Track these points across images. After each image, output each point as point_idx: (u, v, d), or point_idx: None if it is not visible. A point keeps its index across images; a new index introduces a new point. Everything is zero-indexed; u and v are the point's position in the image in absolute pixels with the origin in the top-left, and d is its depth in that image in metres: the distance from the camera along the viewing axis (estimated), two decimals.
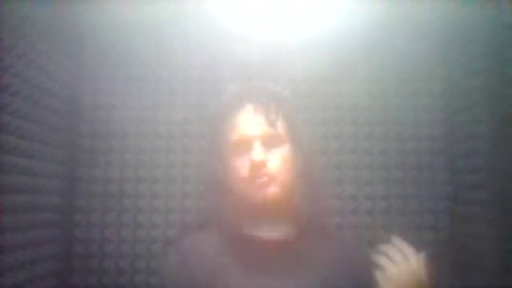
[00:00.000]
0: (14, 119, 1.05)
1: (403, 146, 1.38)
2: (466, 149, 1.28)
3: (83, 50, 1.39)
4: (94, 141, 1.37)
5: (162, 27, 1.35)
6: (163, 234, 1.34)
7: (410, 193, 1.36)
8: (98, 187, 1.35)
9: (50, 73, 1.23)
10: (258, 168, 0.88)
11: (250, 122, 0.91)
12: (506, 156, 1.09)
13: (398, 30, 1.31)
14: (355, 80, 1.39)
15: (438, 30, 1.37)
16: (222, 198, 0.94)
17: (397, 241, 0.91)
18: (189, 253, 0.94)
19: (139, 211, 1.35)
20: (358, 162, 1.37)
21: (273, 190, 0.89)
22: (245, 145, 0.90)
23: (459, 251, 1.31)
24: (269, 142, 0.90)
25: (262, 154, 0.88)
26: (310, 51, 1.32)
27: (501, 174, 1.11)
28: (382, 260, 0.88)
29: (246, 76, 1.35)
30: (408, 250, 0.90)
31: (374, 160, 1.37)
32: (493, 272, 1.14)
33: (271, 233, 0.93)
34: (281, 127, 0.92)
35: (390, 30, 1.31)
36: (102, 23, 1.28)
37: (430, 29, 1.36)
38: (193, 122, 1.37)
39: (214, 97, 1.32)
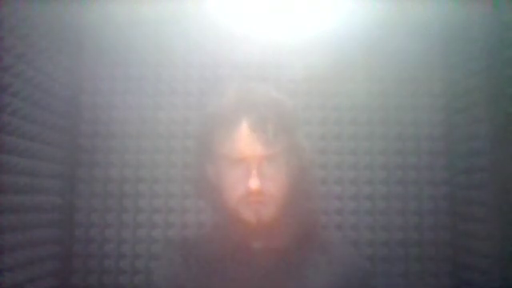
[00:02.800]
0: (14, 119, 1.05)
1: (403, 145, 1.38)
2: (466, 149, 1.28)
3: (83, 50, 1.39)
4: (93, 141, 1.37)
5: (162, 27, 1.35)
6: (163, 233, 1.34)
7: (410, 193, 1.36)
8: (97, 187, 1.35)
9: (50, 73, 1.23)
10: (254, 195, 0.84)
11: (247, 142, 0.85)
12: (506, 156, 1.09)
13: (397, 30, 1.31)
14: (355, 80, 1.38)
15: (438, 29, 1.37)
16: (214, 207, 0.93)
17: None
18: (181, 263, 0.92)
19: (139, 211, 1.35)
20: (357, 162, 1.37)
21: (268, 213, 0.86)
22: (241, 164, 0.85)
23: (459, 251, 1.31)
24: (266, 164, 0.85)
25: (259, 182, 0.83)
26: (309, 51, 1.32)
27: (501, 174, 1.11)
28: None
29: (245, 76, 1.35)
30: None
31: (374, 160, 1.37)
32: (493, 272, 1.14)
33: (264, 243, 0.90)
34: (279, 146, 0.86)
35: (390, 29, 1.31)
36: (102, 23, 1.28)
37: (430, 29, 1.36)
38: (193, 122, 1.37)
39: (214, 97, 1.32)
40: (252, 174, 0.83)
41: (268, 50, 1.34)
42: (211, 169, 0.91)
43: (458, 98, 1.33)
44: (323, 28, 1.28)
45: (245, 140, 0.85)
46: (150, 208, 1.35)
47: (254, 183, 0.83)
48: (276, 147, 0.85)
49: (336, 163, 1.37)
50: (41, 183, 1.19)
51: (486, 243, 1.17)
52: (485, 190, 1.19)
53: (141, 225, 1.34)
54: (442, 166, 1.36)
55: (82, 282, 1.32)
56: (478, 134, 1.22)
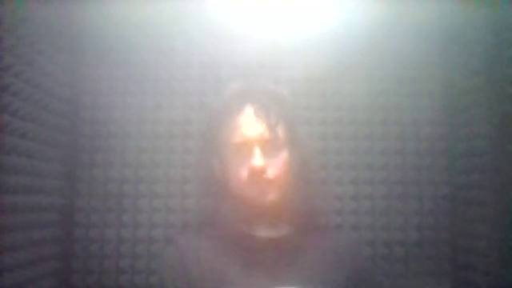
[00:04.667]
0: (14, 119, 1.05)
1: (403, 145, 1.38)
2: (466, 149, 1.28)
3: (83, 50, 1.39)
4: (93, 141, 1.37)
5: (162, 27, 1.35)
6: (163, 233, 1.33)
7: (410, 193, 1.36)
8: (98, 187, 1.35)
9: (50, 73, 1.23)
10: (257, 174, 0.88)
11: (250, 126, 0.90)
12: (506, 156, 1.09)
13: (397, 30, 1.31)
14: (355, 80, 1.38)
15: (438, 29, 1.37)
16: (219, 197, 0.95)
17: None
18: (186, 251, 0.95)
19: (139, 211, 1.35)
20: (357, 162, 1.37)
21: (272, 196, 0.89)
22: (244, 148, 0.89)
23: (459, 251, 1.31)
24: (269, 146, 0.90)
25: (263, 160, 0.87)
26: (309, 51, 1.32)
27: (501, 174, 1.11)
28: None
29: (246, 76, 1.35)
30: None
31: (374, 160, 1.37)
32: (493, 272, 1.14)
33: (268, 231, 0.93)
34: (281, 130, 0.91)
35: (390, 30, 1.31)
36: (102, 23, 1.28)
37: (429, 29, 1.36)
38: (193, 122, 1.37)
39: (214, 97, 1.32)
40: (255, 154, 0.88)
41: (268, 50, 1.34)
42: (216, 162, 0.96)
43: (458, 97, 1.33)
44: (323, 28, 1.28)
45: (248, 123, 0.90)
46: (150, 208, 1.35)
47: (257, 161, 0.87)
48: (277, 131, 0.90)
49: (336, 163, 1.37)
50: (41, 183, 1.19)
51: (486, 243, 1.17)
52: (485, 190, 1.19)
53: (141, 225, 1.34)
54: (442, 166, 1.36)
55: (82, 282, 1.32)
56: (478, 133, 1.22)
